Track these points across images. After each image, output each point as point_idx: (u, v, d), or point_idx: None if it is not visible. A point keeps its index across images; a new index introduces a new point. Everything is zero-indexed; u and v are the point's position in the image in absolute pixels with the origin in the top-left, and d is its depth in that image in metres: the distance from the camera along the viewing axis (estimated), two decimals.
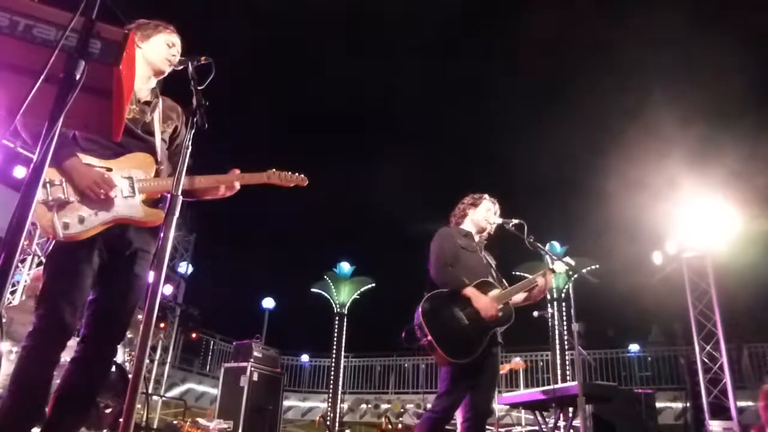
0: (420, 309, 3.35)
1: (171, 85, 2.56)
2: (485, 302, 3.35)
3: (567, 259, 3.83)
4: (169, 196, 1.82)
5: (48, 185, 2.18)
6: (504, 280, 3.72)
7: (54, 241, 2.23)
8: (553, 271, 3.69)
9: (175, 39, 2.52)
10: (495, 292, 3.48)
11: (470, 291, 3.38)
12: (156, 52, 2.49)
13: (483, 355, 3.33)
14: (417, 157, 18.08)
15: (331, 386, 13.08)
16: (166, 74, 2.55)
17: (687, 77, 10.79)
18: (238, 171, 2.53)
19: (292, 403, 14.62)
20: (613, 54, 12.64)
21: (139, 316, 3.50)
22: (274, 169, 2.60)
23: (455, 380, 3.32)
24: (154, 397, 10.15)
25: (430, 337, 3.24)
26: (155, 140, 2.49)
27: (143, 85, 2.52)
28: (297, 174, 2.65)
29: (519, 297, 3.63)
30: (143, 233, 2.41)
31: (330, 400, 12.96)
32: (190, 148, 1.90)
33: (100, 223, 2.25)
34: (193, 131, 1.93)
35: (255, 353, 7.47)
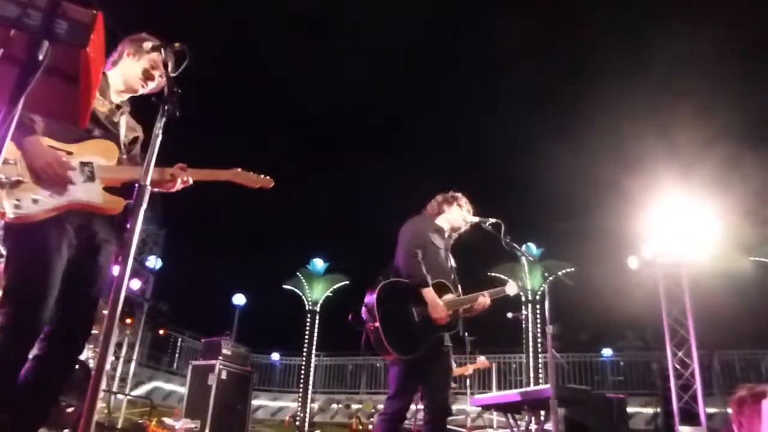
0: (376, 293, 3.32)
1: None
2: (439, 307, 3.38)
3: (516, 284, 3.89)
4: (136, 186, 1.78)
5: (1, 163, 2.12)
6: (459, 287, 3.74)
7: (13, 228, 2.16)
8: (499, 293, 3.76)
9: (162, 62, 2.46)
10: (449, 296, 3.53)
11: (429, 294, 3.39)
12: (134, 74, 2.55)
13: (434, 355, 3.36)
14: (395, 155, 18.12)
15: (302, 386, 13.03)
16: (137, 93, 2.62)
17: (667, 79, 10.99)
18: (184, 165, 2.46)
19: (261, 402, 14.53)
20: (595, 56, 12.84)
21: (104, 312, 3.44)
22: (239, 169, 2.57)
23: (404, 381, 3.33)
24: (119, 396, 9.98)
25: (377, 324, 3.23)
26: (120, 134, 2.49)
27: (115, 92, 2.57)
28: (263, 176, 2.62)
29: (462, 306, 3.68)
30: (106, 224, 2.37)
31: (300, 399, 12.91)
32: (160, 136, 1.86)
33: (55, 206, 2.18)
34: (164, 120, 1.89)
35: (224, 351, 7.39)
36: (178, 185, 2.46)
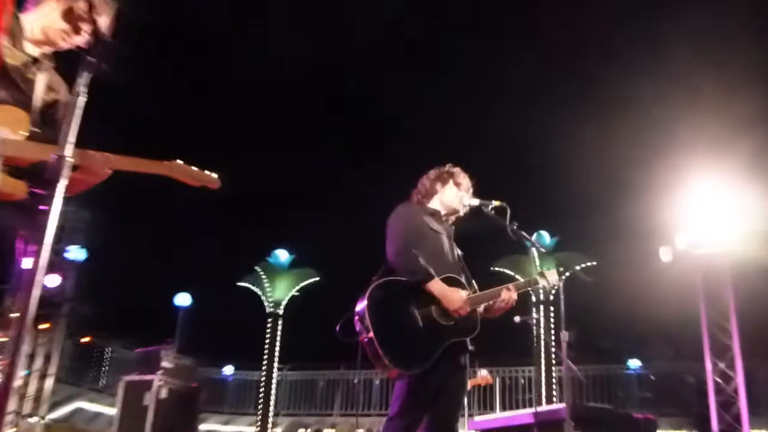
0: (366, 297, 3.30)
1: None
2: (457, 297, 3.34)
3: (557, 272, 3.83)
4: (53, 157, 1.75)
5: None
6: (474, 282, 3.73)
7: None
8: (531, 283, 3.75)
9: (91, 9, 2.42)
10: (463, 293, 3.46)
11: (436, 285, 3.35)
12: (55, 22, 2.50)
13: (448, 368, 3.33)
14: (368, 128, 18.08)
15: (261, 406, 13.07)
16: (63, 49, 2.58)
17: (702, 55, 11.13)
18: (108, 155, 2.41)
19: (211, 426, 14.55)
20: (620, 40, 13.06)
21: (12, 315, 3.40)
22: (179, 161, 2.53)
23: (412, 399, 3.30)
24: (33, 419, 9.93)
25: (371, 334, 3.19)
26: (34, 95, 2.45)
27: (32, 42, 2.53)
28: (208, 172, 2.59)
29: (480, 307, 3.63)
30: (6, 209, 2.34)
31: (259, 423, 12.95)
32: (84, 95, 1.82)
33: None
34: (90, 76, 1.86)
35: (164, 363, 7.40)
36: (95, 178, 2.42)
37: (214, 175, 2.61)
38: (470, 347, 3.50)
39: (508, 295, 3.56)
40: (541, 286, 3.81)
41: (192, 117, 16.12)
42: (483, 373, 7.74)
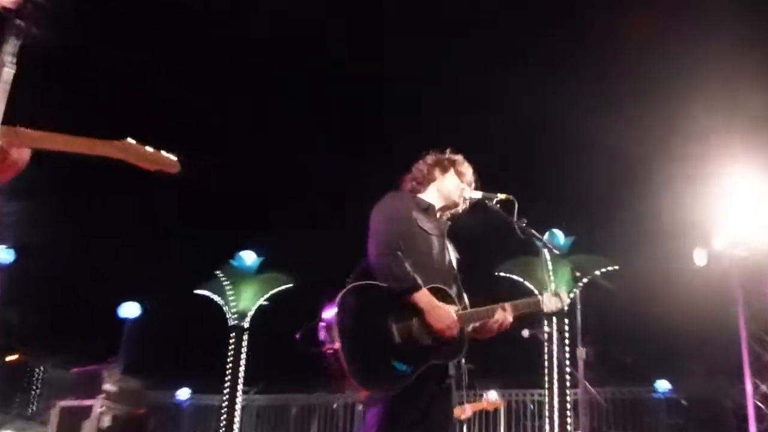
0: (337, 303, 3.28)
1: None
2: (444, 314, 3.34)
3: (558, 296, 3.83)
4: None
5: None
6: (465, 295, 3.72)
7: None
8: (532, 306, 3.74)
9: None
10: (452, 309, 3.46)
11: (424, 298, 3.33)
12: None
13: (428, 392, 3.33)
14: (349, 109, 18.07)
15: None
16: None
17: (739, 30, 11.22)
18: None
19: None
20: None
21: None
22: (131, 140, 2.46)
23: (388, 426, 3.29)
24: None
25: (337, 345, 3.19)
26: None
27: None
28: (166, 154, 2.51)
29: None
30: None
31: None
32: (12, 66, 1.82)
33: None
34: (18, 42, 1.85)
35: (107, 386, 7.39)
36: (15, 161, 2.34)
37: (173, 157, 2.57)
38: (452, 372, 3.48)
39: (503, 316, 3.58)
40: (545, 308, 3.78)
41: (146, 92, 16.02)
42: (491, 397, 7.67)
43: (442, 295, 3.47)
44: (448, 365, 3.45)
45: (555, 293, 3.83)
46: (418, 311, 3.33)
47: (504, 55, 14.95)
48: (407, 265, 3.37)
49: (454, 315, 3.39)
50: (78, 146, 2.37)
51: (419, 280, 3.36)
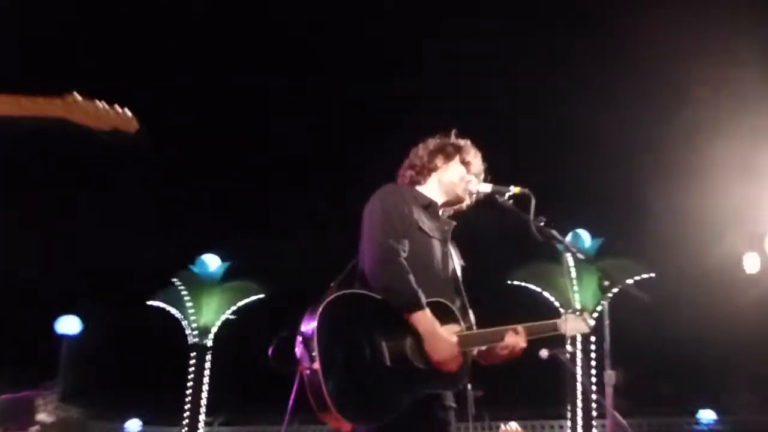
0: (318, 315, 3.21)
1: None
2: (445, 347, 3.29)
3: (583, 318, 3.84)
4: None
5: None
6: (470, 310, 3.70)
7: None
8: (548, 329, 3.70)
9: None
10: (454, 329, 3.43)
11: (424, 320, 3.29)
12: None
13: (421, 425, 3.29)
14: (360, 84, 18.34)
15: None
16: None
17: None
18: None
19: None
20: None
21: None
22: (78, 96, 2.41)
23: None
24: None
25: (316, 365, 3.12)
26: None
27: None
28: (121, 110, 2.49)
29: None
30: None
31: None
32: None
33: None
34: None
35: (41, 416, 7.39)
36: None
37: (129, 113, 2.51)
38: (449, 403, 3.48)
39: (515, 340, 3.52)
40: (563, 332, 3.74)
41: (100, 57, 16.19)
42: (512, 428, 7.78)
43: (444, 312, 3.44)
44: (444, 396, 3.45)
45: (578, 313, 3.81)
46: (413, 332, 3.30)
47: (533, 54, 15.27)
48: (411, 278, 3.33)
49: (457, 347, 3.33)
50: (15, 108, 2.30)
51: (423, 299, 3.31)
